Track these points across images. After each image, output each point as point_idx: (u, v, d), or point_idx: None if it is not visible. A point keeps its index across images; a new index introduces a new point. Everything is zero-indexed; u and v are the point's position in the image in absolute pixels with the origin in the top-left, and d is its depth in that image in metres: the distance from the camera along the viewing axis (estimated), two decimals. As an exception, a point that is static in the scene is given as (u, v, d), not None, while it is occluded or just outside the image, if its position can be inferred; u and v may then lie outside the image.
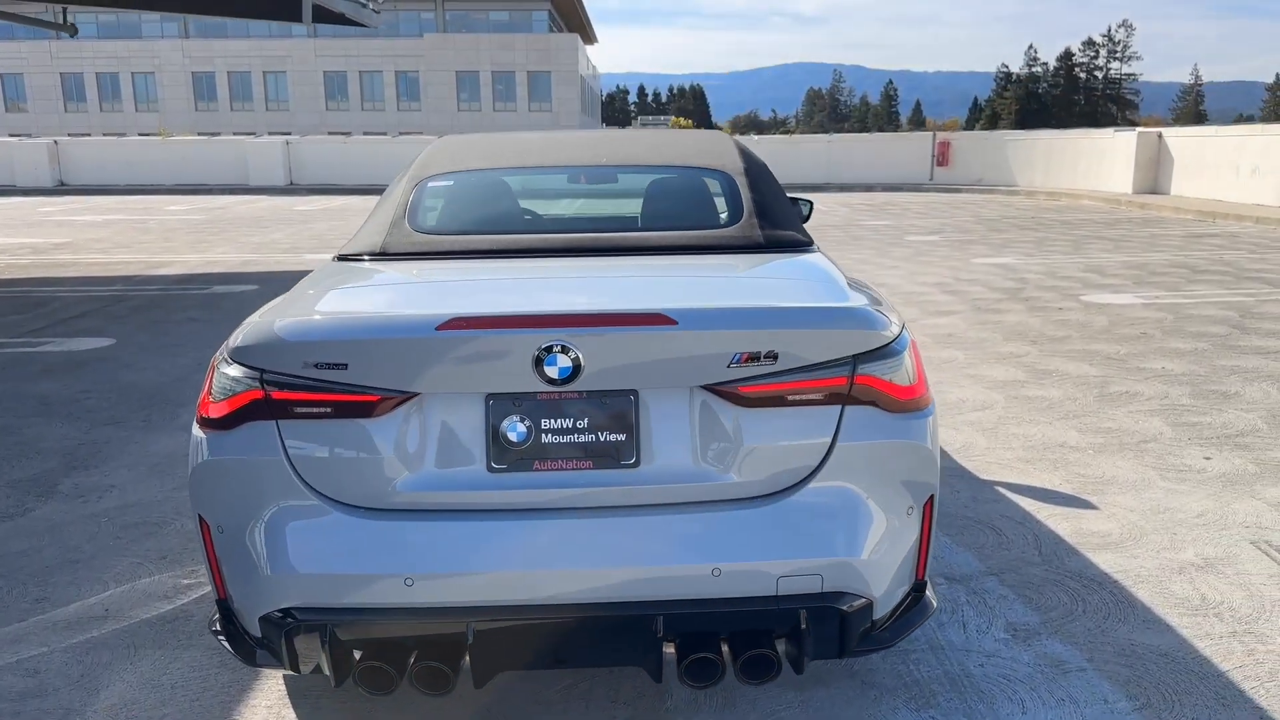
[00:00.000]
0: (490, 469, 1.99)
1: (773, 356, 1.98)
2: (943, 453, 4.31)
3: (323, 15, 11.97)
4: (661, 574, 1.95)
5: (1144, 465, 4.12)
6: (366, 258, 2.66)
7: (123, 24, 58.07)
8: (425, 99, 58.56)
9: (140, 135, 46.60)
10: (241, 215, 18.48)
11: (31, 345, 6.84)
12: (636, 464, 2.00)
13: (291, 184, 26.03)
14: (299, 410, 1.98)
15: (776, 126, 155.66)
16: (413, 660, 1.96)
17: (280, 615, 1.97)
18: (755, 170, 3.08)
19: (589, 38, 73.52)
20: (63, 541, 3.50)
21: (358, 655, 1.99)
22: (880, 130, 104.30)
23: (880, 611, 2.10)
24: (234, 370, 2.03)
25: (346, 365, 1.94)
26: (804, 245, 2.81)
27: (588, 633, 1.99)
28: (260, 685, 2.54)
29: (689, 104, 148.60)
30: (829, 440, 2.04)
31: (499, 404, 1.98)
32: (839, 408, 2.05)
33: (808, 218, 4.60)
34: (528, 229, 2.78)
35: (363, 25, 13.05)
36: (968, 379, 5.59)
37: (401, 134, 49.45)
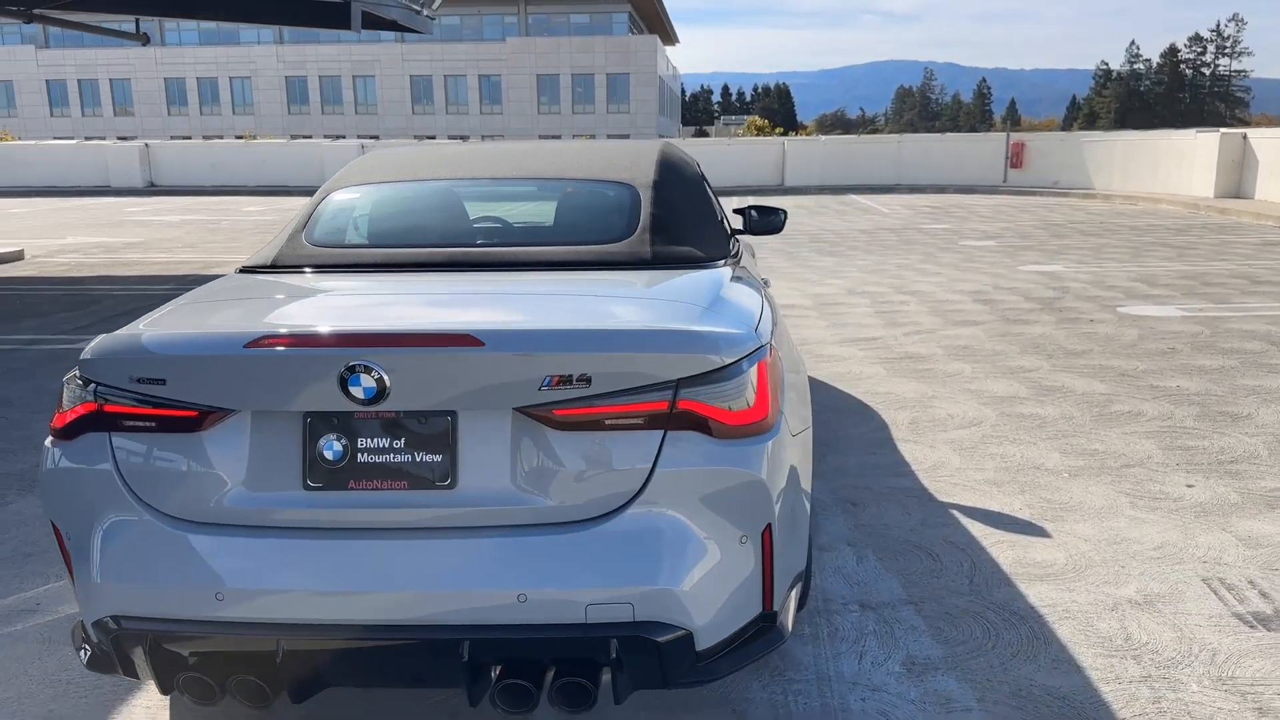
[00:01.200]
0: (306, 487, 2.00)
1: (585, 380, 1.95)
2: (907, 471, 4.18)
3: (373, 22, 12.27)
4: (468, 598, 1.94)
5: (1117, 491, 3.92)
6: (260, 270, 2.71)
7: (221, 31, 60.56)
8: (507, 102, 59.50)
9: (235, 138, 48.69)
10: (310, 216, 19.08)
11: (70, 342, 7.19)
12: (453, 485, 1.99)
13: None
14: (126, 423, 2.04)
15: (864, 125, 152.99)
16: (230, 674, 1.99)
17: (110, 622, 2.02)
18: (669, 183, 3.03)
19: (669, 39, 73.58)
20: (25, 535, 3.67)
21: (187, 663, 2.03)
22: (973, 130, 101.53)
23: (705, 643, 2.04)
24: (75, 383, 2.10)
25: (164, 380, 1.99)
26: (702, 261, 2.76)
27: (397, 654, 1.99)
28: (147, 687, 2.62)
29: (774, 103, 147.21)
30: (649, 466, 1.99)
31: (316, 422, 2.00)
32: (660, 433, 2.00)
33: (778, 226, 4.52)
34: (419, 243, 2.80)
35: (416, 31, 13.32)
36: (966, 394, 5.40)
37: (484, 137, 50.34)
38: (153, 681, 2.04)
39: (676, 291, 2.43)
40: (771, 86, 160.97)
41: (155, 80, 60.81)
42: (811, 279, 9.97)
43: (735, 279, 2.76)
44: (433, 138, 53.79)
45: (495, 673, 2.01)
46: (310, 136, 47.60)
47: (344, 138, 41.58)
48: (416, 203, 3.08)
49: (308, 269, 2.67)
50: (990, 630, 2.86)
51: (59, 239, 15.11)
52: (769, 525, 2.11)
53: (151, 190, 27.94)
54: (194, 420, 2.01)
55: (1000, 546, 3.42)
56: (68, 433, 2.10)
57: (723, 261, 2.89)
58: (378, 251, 2.74)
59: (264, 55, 59.86)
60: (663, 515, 2.00)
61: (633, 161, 3.15)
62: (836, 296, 8.83)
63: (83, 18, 12.20)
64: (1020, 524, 3.62)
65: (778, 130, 55.05)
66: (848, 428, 4.81)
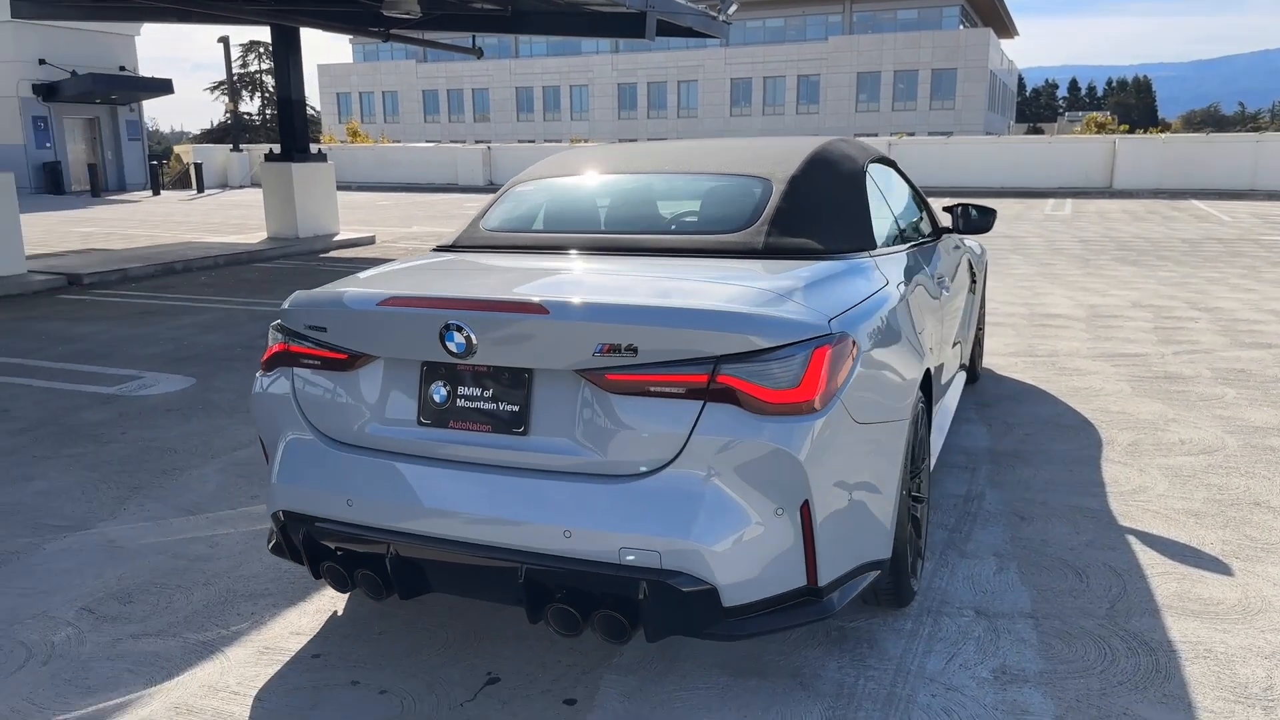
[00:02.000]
0: (419, 423, 2.44)
1: (633, 350, 2.20)
2: (1098, 492, 3.91)
3: (668, 29, 12.99)
4: (526, 528, 2.27)
5: (1349, 539, 3.41)
6: (445, 250, 3.23)
7: (567, 44, 65.99)
8: (824, 101, 59.24)
9: (569, 141, 53.01)
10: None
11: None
12: (525, 433, 2.33)
13: None
14: (302, 360, 2.60)
15: (1243, 123, 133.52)
16: (356, 568, 2.49)
17: (281, 515, 2.60)
18: (809, 178, 3.15)
19: (1006, 31, 69.04)
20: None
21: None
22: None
23: (733, 600, 2.21)
24: (275, 328, 2.70)
25: (325, 329, 2.52)
26: (821, 253, 2.87)
27: (474, 569, 2.36)
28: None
29: (1130, 98, 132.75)
30: (687, 432, 2.20)
31: (429, 371, 2.43)
32: (700, 403, 2.20)
33: (987, 226, 4.41)
34: (567, 229, 3.16)
35: (712, 35, 13.89)
36: (1213, 420, 4.85)
37: (800, 135, 50.65)
38: (306, 566, 2.59)
39: (764, 278, 2.58)
40: (1129, 80, 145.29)
41: (508, 89, 67.63)
42: (1096, 289, 9.19)
43: (855, 271, 2.83)
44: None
45: (552, 598, 2.32)
46: (635, 139, 50.68)
47: (664, 139, 43.80)
48: (573, 195, 3.46)
49: (478, 249, 3.14)
50: (1107, 655, 2.70)
51: (406, 227, 17.57)
52: (806, 502, 2.23)
53: (490, 188, 31.37)
54: (345, 361, 2.52)
55: (1165, 577, 3.16)
56: (267, 366, 2.71)
57: (853, 254, 2.97)
58: (531, 236, 3.16)
59: (600, 64, 64.35)
60: (696, 478, 2.21)
61: (783, 157, 3.30)
62: (1116, 309, 8.10)
63: (431, 36, 14.10)
64: (1203, 558, 3.30)
65: (1123, 127, 49.74)
66: (1054, 443, 4.55)
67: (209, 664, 2.74)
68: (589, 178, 3.52)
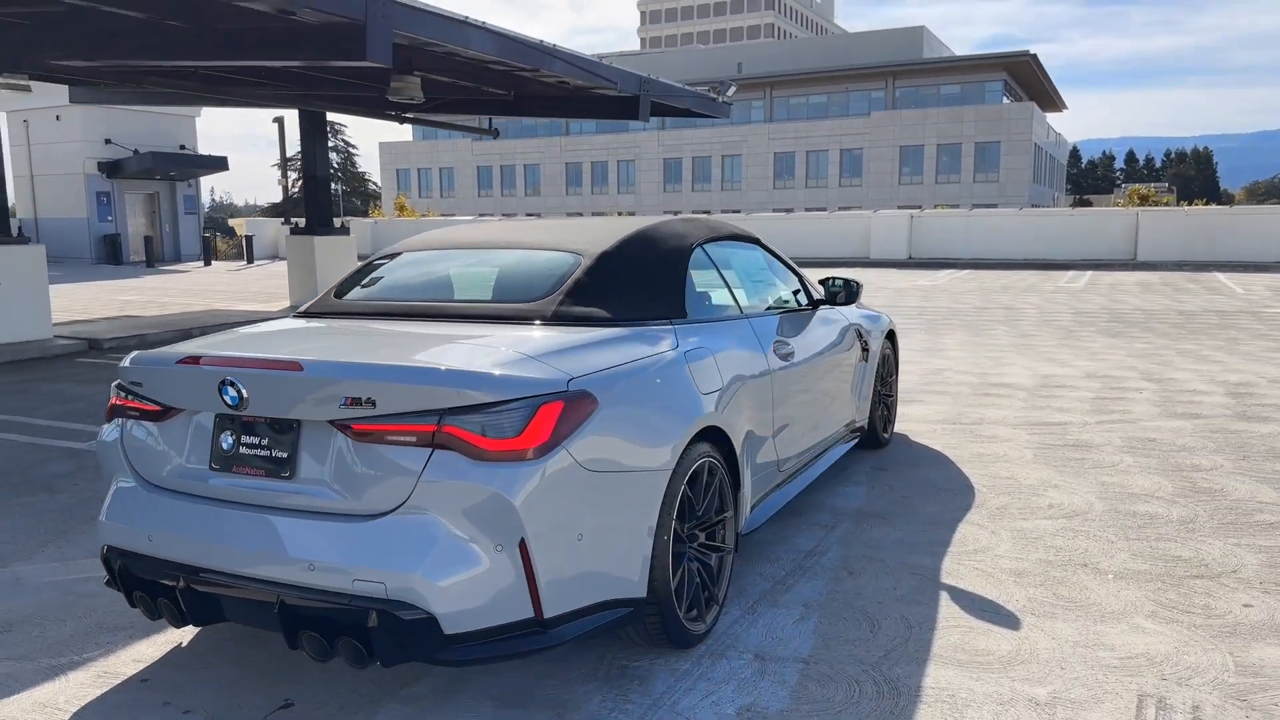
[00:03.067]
0: (211, 468, 2.79)
1: (371, 402, 2.53)
2: (940, 551, 4.08)
3: (666, 110, 13.57)
4: (280, 563, 2.58)
5: (1150, 598, 3.53)
6: (301, 316, 3.61)
7: (617, 122, 68.08)
8: (867, 174, 59.85)
9: (617, 214, 54.19)
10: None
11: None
12: (292, 477, 2.66)
13: None
14: (128, 412, 2.98)
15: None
16: (159, 596, 2.81)
17: (106, 550, 2.95)
18: (621, 254, 3.48)
19: (1053, 105, 69.27)
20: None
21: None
22: None
23: (453, 628, 2.48)
24: (114, 385, 3.09)
25: (141, 384, 2.90)
26: (609, 321, 3.18)
27: (247, 601, 2.67)
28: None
29: (1189, 169, 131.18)
30: (417, 476, 2.51)
31: (220, 421, 2.79)
32: (429, 450, 2.51)
33: (853, 297, 4.69)
34: (394, 297, 3.55)
35: (711, 115, 14.44)
36: (1094, 486, 4.97)
37: (840, 209, 51.18)
38: (124, 596, 2.92)
39: (529, 342, 2.90)
40: (1188, 151, 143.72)
41: (559, 165, 69.70)
42: (1062, 359, 9.27)
43: (637, 338, 3.14)
44: (790, 210, 55.64)
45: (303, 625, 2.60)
46: (679, 212, 51.64)
47: (709, 212, 44.60)
48: (412, 268, 3.84)
49: (317, 316, 3.53)
50: (853, 697, 2.88)
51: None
52: (523, 540, 2.51)
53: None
54: (158, 413, 2.90)
55: (953, 629, 3.32)
56: (108, 417, 3.09)
57: (648, 322, 3.28)
58: (365, 304, 3.54)
59: (646, 140, 66.01)
60: (421, 517, 2.51)
61: (606, 235, 3.64)
62: (1068, 379, 8.20)
63: (443, 118, 14.91)
64: (999, 614, 3.45)
65: (1165, 199, 49.27)
66: (926, 505, 4.72)
67: (50, 684, 3.07)
68: (434, 252, 3.90)
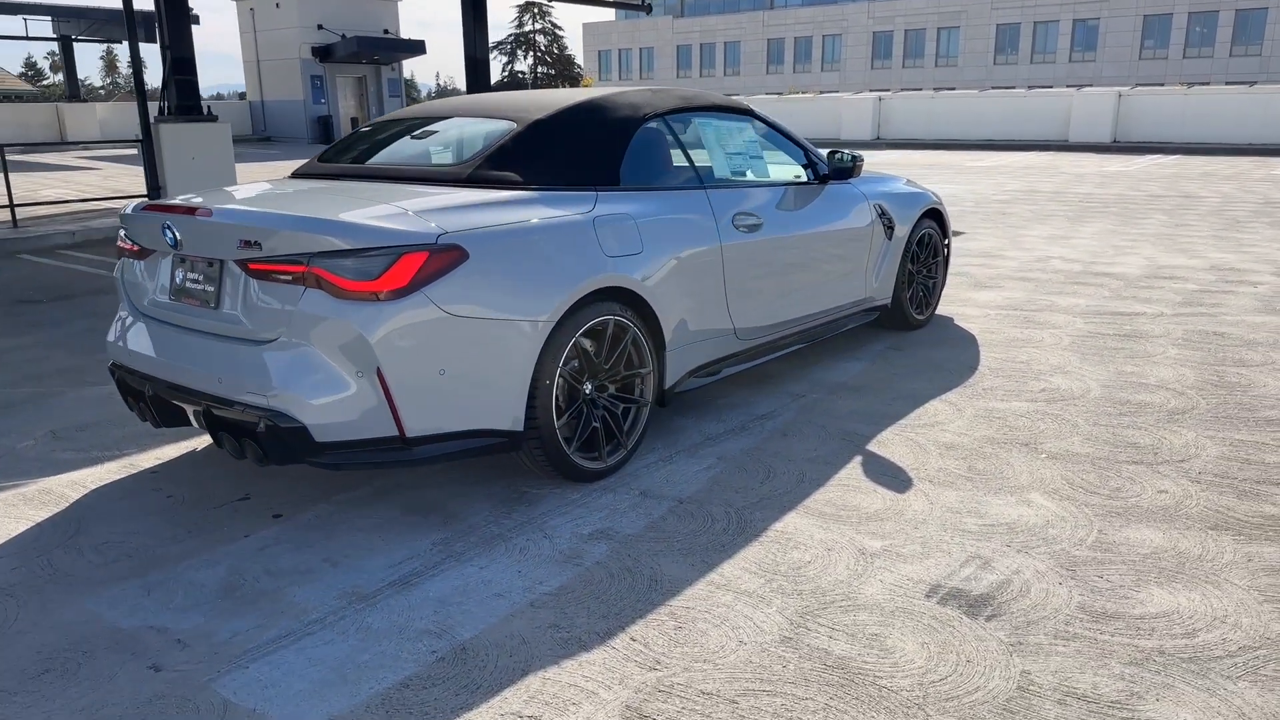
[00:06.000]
0: (169, 298, 3.37)
1: (258, 245, 2.98)
2: (892, 422, 4.15)
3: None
4: (201, 376, 3.14)
5: (1065, 478, 3.50)
6: (292, 178, 4.12)
7: (826, -9, 64.64)
8: (1102, 48, 53.98)
9: (806, 92, 52.33)
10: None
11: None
12: (217, 307, 3.19)
13: (878, 138, 27.41)
14: (124, 252, 3.61)
15: None
16: (140, 401, 3.48)
17: (110, 364, 3.64)
18: (555, 122, 3.70)
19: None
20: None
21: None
22: None
23: (322, 437, 2.95)
24: (119, 229, 3.73)
25: (127, 229, 3.50)
26: (520, 184, 3.45)
27: (185, 406, 3.26)
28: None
29: None
30: (293, 309, 2.96)
31: (175, 260, 3.34)
32: (302, 288, 2.95)
33: (848, 168, 4.70)
34: (355, 160, 3.96)
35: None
36: (1110, 374, 4.76)
37: (1070, 86, 46.57)
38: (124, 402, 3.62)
39: (421, 199, 3.24)
40: None
41: (759, 42, 67.45)
42: (1198, 250, 8.48)
43: (540, 201, 3.39)
44: (1012, 87, 51.37)
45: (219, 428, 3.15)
46: (888, 89, 49.00)
47: (921, 90, 42.12)
48: (379, 135, 4.21)
49: (299, 178, 4.00)
50: (699, 530, 3.14)
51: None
52: (379, 369, 2.92)
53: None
54: (138, 253, 3.50)
55: (837, 487, 3.47)
56: (117, 256, 3.75)
57: (565, 187, 3.53)
58: (332, 166, 3.98)
59: (855, 12, 62.45)
60: (298, 343, 2.97)
61: (553, 104, 3.85)
62: (1184, 270, 7.55)
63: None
64: (896, 479, 3.55)
65: None
66: (910, 381, 4.73)
67: (88, 470, 3.87)
68: (410, 121, 4.26)
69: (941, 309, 6.25)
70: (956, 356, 5.18)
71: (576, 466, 3.45)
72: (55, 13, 28.82)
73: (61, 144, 17.40)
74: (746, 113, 4.66)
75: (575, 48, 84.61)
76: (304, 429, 2.94)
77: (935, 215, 5.79)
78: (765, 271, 4.32)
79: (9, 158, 11.69)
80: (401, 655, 2.48)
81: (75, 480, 3.73)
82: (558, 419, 3.34)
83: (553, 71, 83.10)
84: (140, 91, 12.09)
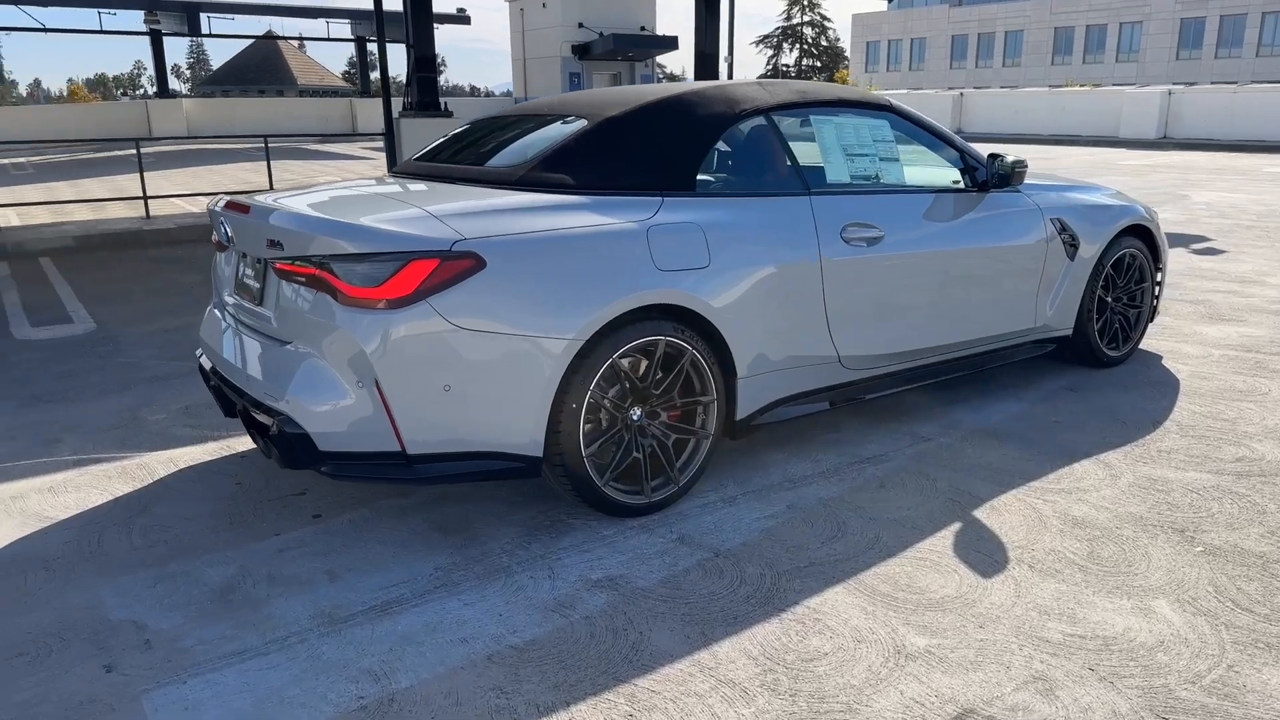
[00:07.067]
0: (231, 292, 3.42)
1: (279, 245, 2.92)
2: (1021, 485, 3.48)
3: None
4: (241, 371, 3.14)
5: (1209, 580, 2.70)
6: (391, 176, 4.09)
7: (1126, -26, 58.43)
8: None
9: (1115, 85, 47.38)
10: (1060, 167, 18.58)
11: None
12: (261, 304, 3.18)
13: (1165, 137, 24.13)
14: (213, 247, 3.72)
15: None
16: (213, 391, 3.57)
17: (198, 353, 3.78)
18: (627, 121, 3.37)
19: None
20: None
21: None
22: None
23: (325, 446, 2.84)
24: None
25: (212, 224, 3.60)
26: (567, 187, 3.16)
27: (235, 400, 3.28)
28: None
29: None
30: (305, 312, 2.87)
31: (239, 255, 3.38)
32: (314, 291, 2.84)
33: (1006, 175, 4.08)
34: (435, 161, 3.79)
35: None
36: (1345, 446, 3.72)
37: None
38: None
39: (451, 202, 3.03)
40: None
41: (1046, 30, 62.30)
42: None
43: (583, 208, 3.08)
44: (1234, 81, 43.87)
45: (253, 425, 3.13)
46: (1194, 83, 43.54)
47: (1232, 83, 36.78)
48: (469, 136, 4.02)
49: (399, 176, 3.95)
50: (716, 595, 2.73)
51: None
52: (376, 380, 2.76)
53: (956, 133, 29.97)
54: (220, 247, 3.58)
55: (911, 560, 2.90)
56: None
57: (623, 192, 3.20)
58: (420, 166, 3.86)
59: (1161, -2, 56.03)
60: (309, 348, 2.87)
61: (637, 98, 3.52)
62: None
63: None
64: (989, 559, 2.91)
65: None
66: (1070, 433, 3.94)
67: (191, 448, 4.06)
68: (507, 119, 4.06)
69: (1153, 344, 5.25)
70: (1143, 405, 4.28)
71: (608, 500, 3.13)
72: (352, 15, 32.03)
73: (353, 135, 19.11)
74: (884, 108, 4.07)
75: (845, 40, 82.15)
76: (308, 436, 2.85)
77: (1142, 233, 4.84)
78: (884, 291, 3.74)
79: (309, 147, 13.00)
80: (329, 696, 2.31)
81: (171, 458, 3.93)
82: (587, 446, 3.04)
83: (819, 64, 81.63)
84: (385, 88, 12.99)
